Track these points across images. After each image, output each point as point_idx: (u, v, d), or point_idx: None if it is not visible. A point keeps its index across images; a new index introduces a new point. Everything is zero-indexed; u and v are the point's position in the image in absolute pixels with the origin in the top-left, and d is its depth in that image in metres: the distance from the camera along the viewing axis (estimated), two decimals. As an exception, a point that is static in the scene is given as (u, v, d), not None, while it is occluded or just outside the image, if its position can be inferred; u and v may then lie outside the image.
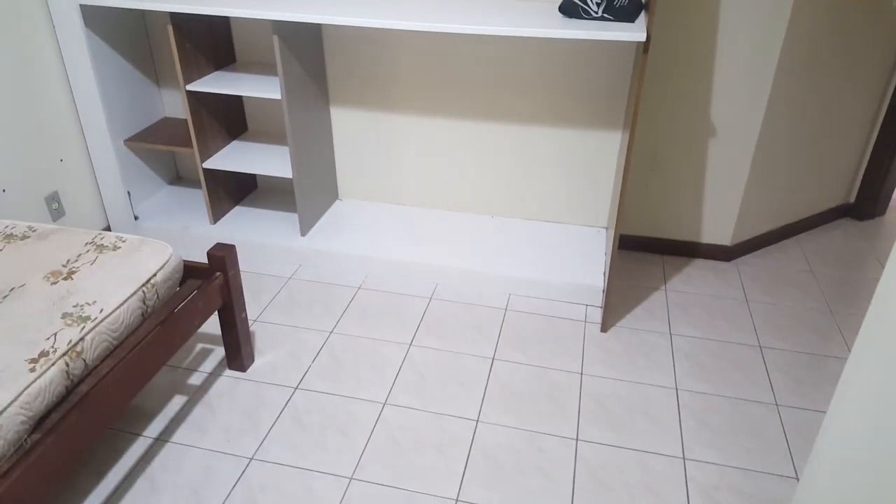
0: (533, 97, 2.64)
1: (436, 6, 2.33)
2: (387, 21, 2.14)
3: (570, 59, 2.53)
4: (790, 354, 2.32)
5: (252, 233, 2.85)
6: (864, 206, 3.15)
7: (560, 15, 2.16)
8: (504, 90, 2.65)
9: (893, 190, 3.17)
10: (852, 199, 3.19)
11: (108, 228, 2.92)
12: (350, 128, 2.90)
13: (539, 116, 2.67)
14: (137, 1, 2.36)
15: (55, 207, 2.62)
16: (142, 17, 2.83)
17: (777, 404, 2.10)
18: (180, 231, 2.86)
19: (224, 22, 2.76)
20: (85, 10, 2.46)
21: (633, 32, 1.96)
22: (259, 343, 2.35)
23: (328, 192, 3.01)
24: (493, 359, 2.28)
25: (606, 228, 2.89)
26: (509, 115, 2.70)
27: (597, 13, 2.08)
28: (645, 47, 1.97)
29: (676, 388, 2.15)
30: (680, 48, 2.45)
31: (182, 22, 2.48)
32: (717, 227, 2.81)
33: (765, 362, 2.28)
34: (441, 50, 2.62)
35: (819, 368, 2.25)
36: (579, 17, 2.11)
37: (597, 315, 2.50)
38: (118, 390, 1.60)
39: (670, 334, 2.41)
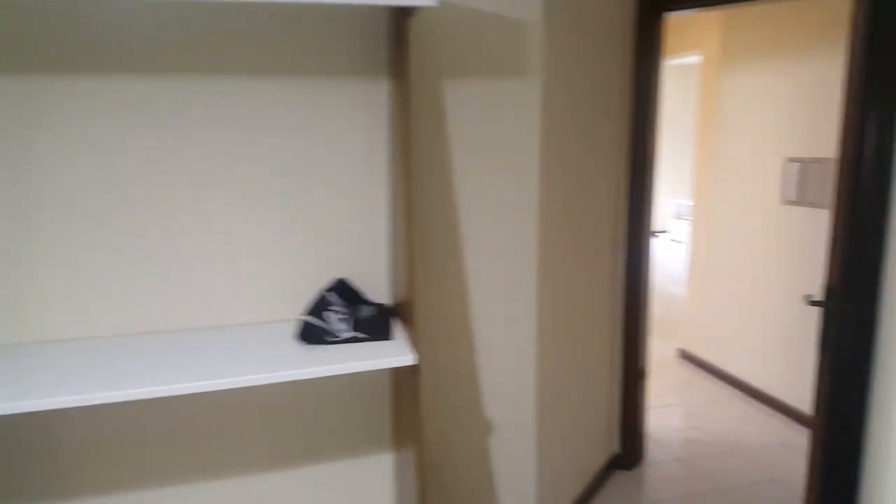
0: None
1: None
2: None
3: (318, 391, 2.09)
4: None
5: None
6: (630, 454, 3.21)
7: (300, 344, 1.67)
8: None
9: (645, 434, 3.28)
10: (618, 449, 3.22)
11: None
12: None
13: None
14: None
15: None
16: None
17: None
18: None
19: None
20: None
21: (399, 355, 1.59)
22: None
23: None
24: None
25: None
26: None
27: (345, 333, 1.72)
28: (414, 369, 1.58)
29: None
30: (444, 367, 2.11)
31: None
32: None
33: None
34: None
35: None
36: (324, 342, 1.73)
37: None
38: None
39: None
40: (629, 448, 3.18)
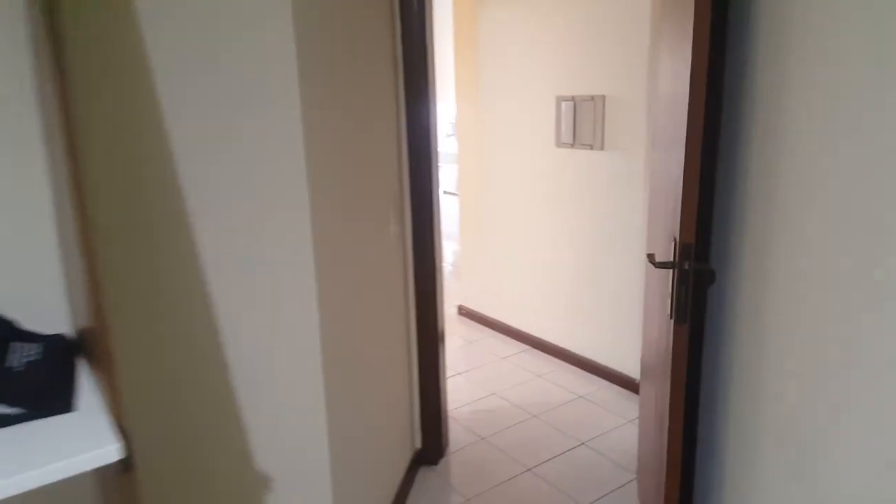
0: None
1: None
2: None
3: None
4: None
5: None
6: (433, 446, 2.81)
7: None
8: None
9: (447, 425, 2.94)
10: (419, 444, 2.82)
11: None
12: None
13: None
14: None
15: None
16: None
17: None
18: None
19: None
20: None
21: (91, 446, 0.85)
22: None
23: None
24: None
25: None
26: None
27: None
28: (126, 465, 0.87)
29: None
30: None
31: None
32: None
33: None
34: None
35: None
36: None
37: None
38: None
39: None
40: (432, 438, 2.75)
